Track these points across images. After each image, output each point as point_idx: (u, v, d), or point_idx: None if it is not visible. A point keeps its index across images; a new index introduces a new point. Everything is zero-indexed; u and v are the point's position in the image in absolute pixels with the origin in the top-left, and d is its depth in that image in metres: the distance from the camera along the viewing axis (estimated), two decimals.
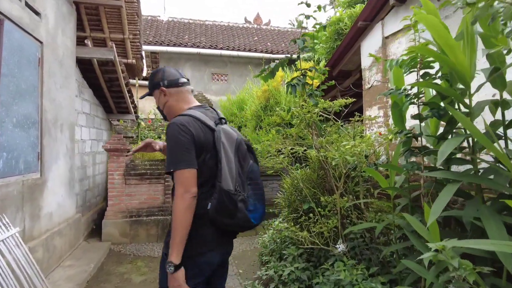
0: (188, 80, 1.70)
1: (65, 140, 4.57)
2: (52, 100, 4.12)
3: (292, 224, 2.59)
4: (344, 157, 2.13)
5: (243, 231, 1.62)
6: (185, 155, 1.43)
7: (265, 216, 1.63)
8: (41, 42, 3.84)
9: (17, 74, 3.30)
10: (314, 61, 7.59)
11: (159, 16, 13.32)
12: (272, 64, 2.55)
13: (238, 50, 10.95)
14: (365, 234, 2.46)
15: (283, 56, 10.84)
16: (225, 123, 1.66)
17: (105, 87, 6.38)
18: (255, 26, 14.31)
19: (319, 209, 2.43)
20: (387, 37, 3.44)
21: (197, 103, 1.67)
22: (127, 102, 7.06)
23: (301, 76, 2.27)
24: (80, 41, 5.46)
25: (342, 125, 2.72)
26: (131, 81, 9.94)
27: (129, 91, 6.87)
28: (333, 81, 2.62)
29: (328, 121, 2.66)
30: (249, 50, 11.07)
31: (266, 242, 3.70)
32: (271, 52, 11.12)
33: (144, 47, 10.10)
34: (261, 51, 11.09)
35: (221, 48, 10.81)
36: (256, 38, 12.33)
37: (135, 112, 7.86)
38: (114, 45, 5.29)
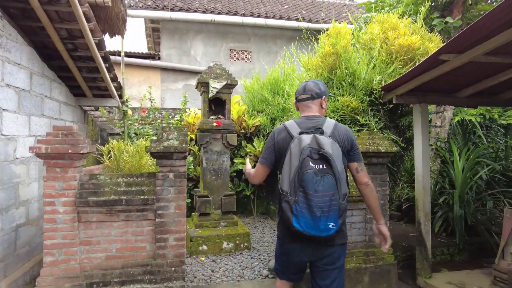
0: (309, 96, 1.98)
1: None
2: None
3: None
4: None
5: (300, 238, 1.76)
6: (264, 154, 1.97)
7: (330, 233, 1.71)
8: None
9: None
10: (398, 12, 4.85)
11: None
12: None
13: (266, 17, 8.22)
14: None
15: (325, 25, 8.08)
16: (319, 132, 1.82)
17: (64, 49, 3.79)
18: None
19: None
20: None
21: (307, 114, 1.98)
22: (104, 77, 4.44)
23: None
24: None
25: None
26: (115, 58, 7.35)
27: (107, 60, 4.27)
28: None
29: None
30: (280, 18, 8.33)
31: None
32: (310, 21, 8.35)
33: (139, 12, 7.50)
34: (297, 19, 8.33)
35: (243, 15, 8.09)
36: (286, 6, 9.57)
37: (120, 97, 5.27)
38: None
